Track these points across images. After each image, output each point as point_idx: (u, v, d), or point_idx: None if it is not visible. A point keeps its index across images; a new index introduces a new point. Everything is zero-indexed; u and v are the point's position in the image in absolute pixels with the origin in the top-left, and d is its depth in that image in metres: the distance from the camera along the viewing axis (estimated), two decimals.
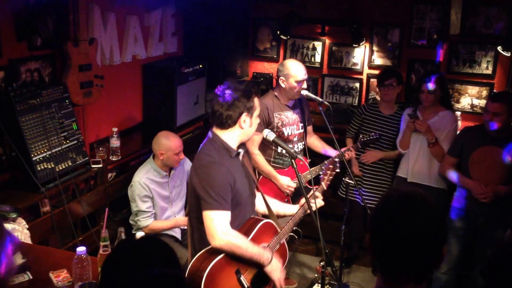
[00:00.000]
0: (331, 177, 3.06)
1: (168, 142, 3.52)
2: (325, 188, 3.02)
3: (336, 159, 3.12)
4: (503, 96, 3.68)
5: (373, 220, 1.48)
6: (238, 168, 2.61)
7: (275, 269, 2.59)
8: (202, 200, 2.44)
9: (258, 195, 2.88)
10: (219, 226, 2.41)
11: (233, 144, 2.58)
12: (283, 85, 3.74)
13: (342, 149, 3.75)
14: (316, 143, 4.10)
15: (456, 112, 4.67)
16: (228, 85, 2.54)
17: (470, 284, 3.88)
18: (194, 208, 2.56)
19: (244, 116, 2.52)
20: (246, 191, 2.63)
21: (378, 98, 5.01)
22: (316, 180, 3.11)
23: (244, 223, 2.65)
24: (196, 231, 2.61)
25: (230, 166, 2.51)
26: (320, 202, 2.87)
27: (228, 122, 2.53)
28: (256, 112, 2.59)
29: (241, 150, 2.64)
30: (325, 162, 3.07)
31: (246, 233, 2.59)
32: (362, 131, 4.26)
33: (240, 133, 2.56)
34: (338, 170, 3.09)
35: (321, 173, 3.07)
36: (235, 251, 2.44)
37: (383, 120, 4.27)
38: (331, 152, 3.94)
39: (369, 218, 1.51)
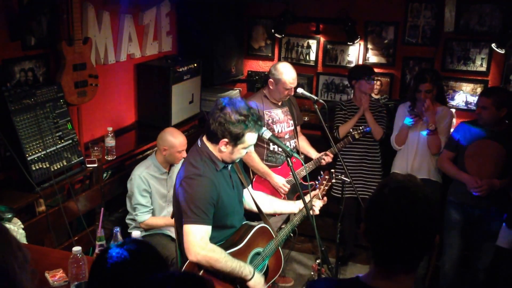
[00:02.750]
0: (326, 187, 3.05)
1: (172, 139, 3.55)
2: (321, 198, 2.97)
3: (332, 170, 3.13)
4: (490, 90, 3.82)
5: (367, 209, 1.48)
6: (225, 179, 2.56)
7: (258, 283, 2.54)
8: (183, 213, 2.41)
9: (248, 196, 2.83)
10: (196, 240, 2.36)
11: (219, 158, 2.51)
12: (271, 87, 3.77)
13: (320, 154, 3.93)
14: (301, 143, 4.10)
15: (451, 109, 4.69)
16: (233, 103, 2.41)
17: (470, 278, 3.90)
18: (179, 216, 2.51)
19: (225, 141, 2.42)
20: (234, 202, 2.59)
21: (375, 96, 5.01)
22: (311, 176, 3.12)
23: (237, 230, 2.63)
24: (182, 237, 2.54)
25: (215, 178, 2.46)
26: (316, 211, 2.86)
27: (212, 137, 2.47)
28: (244, 144, 2.45)
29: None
30: (321, 172, 3.09)
31: (240, 239, 2.58)
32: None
33: (221, 153, 2.48)
34: (333, 181, 3.10)
35: (317, 182, 3.06)
36: (213, 265, 2.39)
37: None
38: (313, 153, 4.00)
39: (364, 207, 1.50)
